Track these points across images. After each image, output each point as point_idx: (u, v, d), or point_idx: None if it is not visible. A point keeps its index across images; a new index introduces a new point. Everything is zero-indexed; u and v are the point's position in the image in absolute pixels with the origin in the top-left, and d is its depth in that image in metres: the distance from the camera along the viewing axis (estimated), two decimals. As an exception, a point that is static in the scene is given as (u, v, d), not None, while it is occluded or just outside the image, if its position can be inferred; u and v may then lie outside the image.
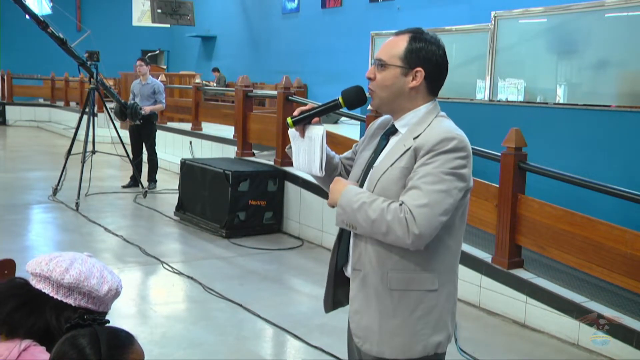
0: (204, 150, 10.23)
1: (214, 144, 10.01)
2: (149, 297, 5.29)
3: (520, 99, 6.23)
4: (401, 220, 1.83)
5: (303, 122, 2.10)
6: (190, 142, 10.62)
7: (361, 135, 7.00)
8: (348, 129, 9.75)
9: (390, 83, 2.01)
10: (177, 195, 7.76)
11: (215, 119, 10.65)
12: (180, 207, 7.56)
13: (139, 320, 4.65)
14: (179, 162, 7.82)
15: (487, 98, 6.39)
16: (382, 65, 2.01)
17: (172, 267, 5.68)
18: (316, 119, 2.10)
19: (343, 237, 2.11)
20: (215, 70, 19.63)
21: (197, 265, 5.88)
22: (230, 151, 8.79)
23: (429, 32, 2.07)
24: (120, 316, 4.61)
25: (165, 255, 6.08)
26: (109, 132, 8.76)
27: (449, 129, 1.96)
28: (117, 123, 9.43)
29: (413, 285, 1.96)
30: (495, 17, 6.47)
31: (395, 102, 2.03)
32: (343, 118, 12.79)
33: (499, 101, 6.25)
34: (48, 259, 1.70)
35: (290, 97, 7.47)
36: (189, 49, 25.86)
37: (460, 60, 7.40)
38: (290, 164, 7.29)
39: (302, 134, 2.11)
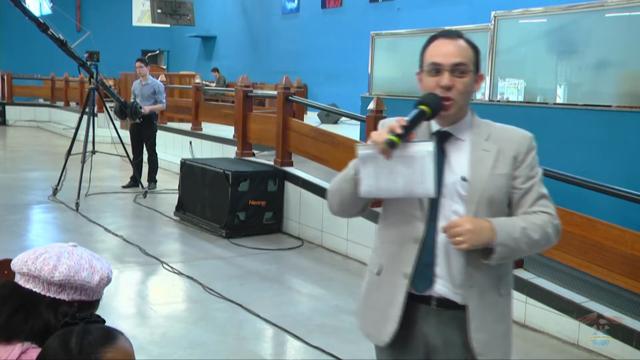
0: (204, 151, 10.23)
1: (214, 144, 10.01)
2: (149, 297, 5.28)
3: (520, 99, 6.23)
4: (556, 227, 1.95)
5: (405, 139, 1.84)
6: (190, 142, 10.62)
7: (362, 136, 7.02)
8: (348, 129, 9.75)
9: (471, 89, 1.98)
10: (177, 196, 7.76)
11: (215, 119, 10.64)
12: (180, 207, 7.56)
13: (139, 320, 4.65)
14: (179, 162, 7.82)
15: (487, 98, 6.40)
16: (463, 71, 1.93)
17: (172, 267, 5.68)
18: (413, 134, 1.87)
19: (421, 261, 1.95)
20: (215, 70, 19.63)
21: (197, 265, 5.88)
22: (230, 151, 8.79)
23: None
24: (120, 316, 4.61)
25: (165, 255, 6.08)
26: (109, 132, 8.76)
27: (518, 128, 2.02)
28: (117, 123, 9.43)
29: (510, 286, 2.04)
30: (495, 17, 6.46)
31: (464, 107, 1.98)
32: (343, 118, 12.79)
33: (498, 101, 6.25)
34: (34, 256, 1.64)
35: (290, 97, 7.47)
36: (189, 49, 25.88)
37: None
38: (290, 164, 7.33)
39: (390, 154, 1.81)
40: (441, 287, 1.94)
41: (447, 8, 13.75)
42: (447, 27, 8.04)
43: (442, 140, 1.97)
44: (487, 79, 6.45)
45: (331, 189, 2.07)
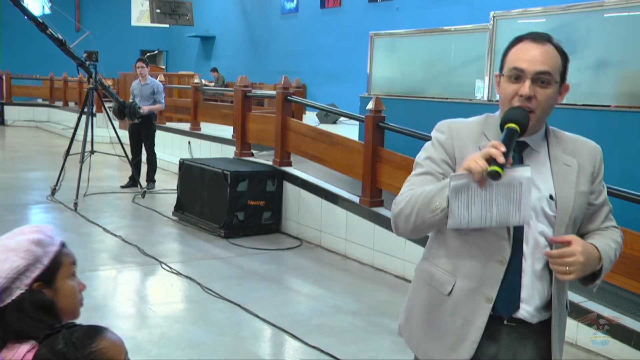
0: (203, 150, 10.23)
1: (213, 144, 10.01)
2: (148, 297, 5.27)
3: (519, 98, 6.24)
4: (621, 235, 1.94)
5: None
6: (189, 142, 10.62)
7: (360, 136, 7.01)
8: (347, 129, 9.74)
9: (552, 102, 1.81)
10: (175, 196, 7.75)
11: (214, 119, 10.64)
12: (178, 207, 7.55)
13: (138, 320, 4.65)
14: (178, 162, 7.81)
15: (486, 98, 6.39)
16: (546, 82, 1.76)
17: (170, 267, 5.67)
18: (510, 159, 1.67)
19: (506, 284, 1.80)
20: (214, 70, 19.64)
21: (196, 265, 5.87)
22: (229, 151, 8.78)
23: None
24: (118, 316, 4.61)
25: (164, 255, 6.07)
26: (108, 132, 8.75)
27: (584, 137, 1.95)
28: (116, 123, 9.42)
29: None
30: (494, 17, 6.46)
31: (544, 120, 1.83)
32: (342, 118, 12.79)
33: (497, 101, 6.24)
34: None
35: (289, 97, 7.46)
36: (188, 49, 25.89)
37: (459, 61, 7.40)
38: (289, 164, 7.32)
39: (485, 183, 1.66)
40: (524, 312, 1.82)
41: (446, 8, 13.75)
42: (446, 27, 8.07)
43: (519, 152, 1.82)
44: (486, 78, 6.45)
45: (404, 213, 1.81)
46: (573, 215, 1.81)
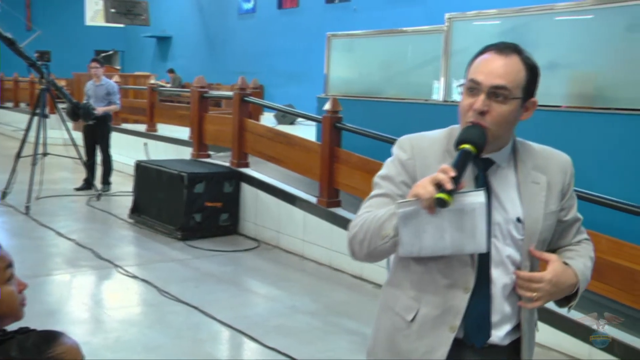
0: (159, 152, 10.10)
1: (170, 146, 9.90)
2: (103, 302, 5.18)
3: (475, 99, 6.32)
4: (593, 248, 1.87)
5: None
6: (145, 144, 10.47)
7: (318, 136, 7.02)
8: (305, 129, 9.74)
9: (512, 118, 1.66)
10: (131, 198, 7.64)
11: (170, 120, 10.53)
12: (135, 210, 7.44)
13: (93, 325, 4.56)
14: (134, 164, 7.71)
15: (442, 99, 6.47)
16: (502, 96, 1.63)
17: (126, 271, 5.58)
18: (463, 183, 1.57)
19: (474, 311, 1.71)
20: (171, 71, 19.46)
21: (153, 268, 5.79)
22: (186, 152, 8.69)
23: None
24: (72, 322, 4.52)
25: (120, 258, 5.98)
26: (61, 134, 8.57)
27: (556, 150, 1.83)
28: (70, 124, 9.24)
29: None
30: (449, 18, 6.54)
31: (503, 136, 1.69)
32: (299, 119, 12.79)
33: (453, 101, 6.33)
34: None
35: (246, 98, 7.44)
36: (144, 49, 25.56)
37: (416, 62, 7.47)
38: (246, 165, 7.29)
39: (435, 210, 1.55)
40: (495, 338, 1.74)
41: (403, 9, 13.88)
42: (402, 28, 8.14)
43: (484, 169, 1.71)
44: (442, 79, 6.53)
45: (358, 237, 1.71)
46: (542, 238, 1.72)
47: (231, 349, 4.44)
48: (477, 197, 1.57)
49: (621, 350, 3.79)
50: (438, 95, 6.65)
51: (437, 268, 1.72)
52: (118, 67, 21.94)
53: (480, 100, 1.62)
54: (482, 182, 1.69)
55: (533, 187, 1.71)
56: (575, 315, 3.62)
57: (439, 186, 1.51)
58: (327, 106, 6.10)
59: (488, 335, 1.73)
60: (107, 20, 20.33)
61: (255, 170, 7.22)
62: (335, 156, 6.02)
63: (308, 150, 6.44)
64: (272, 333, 4.36)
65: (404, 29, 7.96)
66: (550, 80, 5.91)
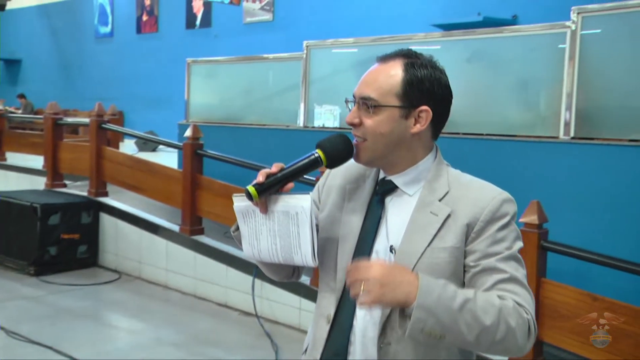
0: (10, 183, 9.48)
1: (21, 175, 9.33)
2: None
3: (337, 124, 6.49)
4: (526, 324, 1.37)
5: (271, 191, 1.45)
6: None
7: (179, 164, 6.91)
8: (167, 156, 9.54)
9: (388, 130, 1.46)
10: (-23, 232, 7.12)
11: (22, 148, 9.93)
12: (-19, 245, 6.94)
13: None
14: (-20, 196, 7.19)
15: (302, 124, 6.60)
16: (372, 105, 1.47)
17: (-29, 312, 5.19)
18: (290, 184, 1.46)
19: (331, 347, 1.51)
20: (21, 96, 18.41)
21: (1, 308, 5.41)
22: (40, 182, 8.24)
23: (423, 53, 1.57)
24: None
25: (-36, 298, 5.54)
26: None
27: (491, 185, 1.51)
28: None
29: None
30: (307, 46, 6.71)
31: (392, 154, 1.50)
32: (161, 146, 12.52)
33: (313, 127, 6.47)
34: None
35: (103, 125, 7.20)
36: (-9, 73, 24.02)
37: (278, 88, 7.57)
38: (105, 194, 7.03)
39: (265, 209, 1.46)
40: None
41: (264, 36, 14.02)
42: (264, 55, 8.22)
43: (386, 192, 1.54)
44: (302, 105, 6.66)
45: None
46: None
47: (90, 388, 4.23)
48: (302, 201, 1.43)
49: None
50: (299, 121, 6.79)
51: (321, 293, 1.59)
52: (-38, 92, 20.45)
53: (351, 112, 1.51)
54: (377, 206, 1.53)
55: (428, 217, 1.46)
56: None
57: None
58: (188, 133, 6.04)
59: None
60: (-51, 42, 18.94)
61: (115, 199, 6.99)
62: (197, 183, 5.96)
63: (169, 178, 6.32)
64: (134, 368, 4.22)
65: (265, 55, 8.05)
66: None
